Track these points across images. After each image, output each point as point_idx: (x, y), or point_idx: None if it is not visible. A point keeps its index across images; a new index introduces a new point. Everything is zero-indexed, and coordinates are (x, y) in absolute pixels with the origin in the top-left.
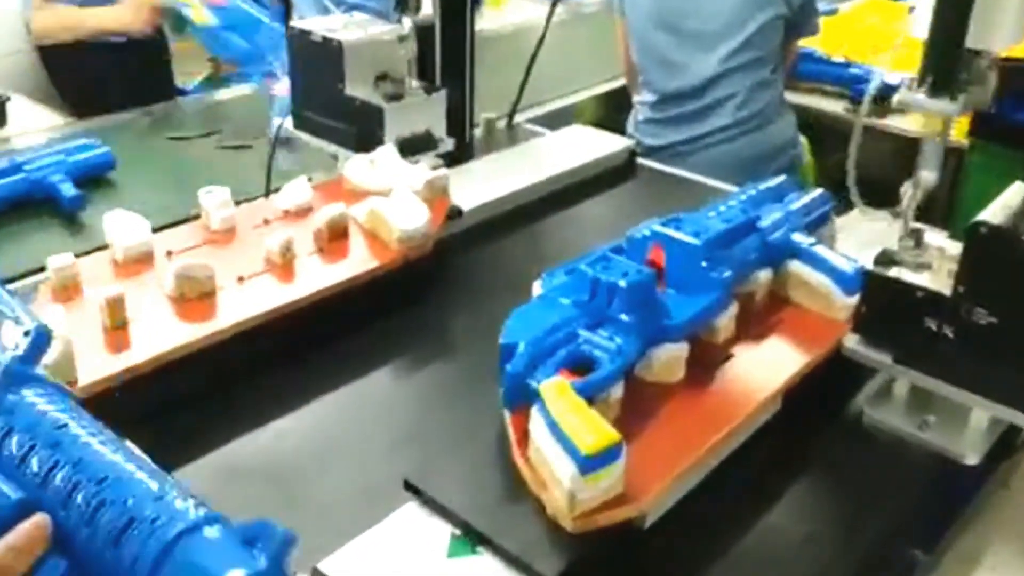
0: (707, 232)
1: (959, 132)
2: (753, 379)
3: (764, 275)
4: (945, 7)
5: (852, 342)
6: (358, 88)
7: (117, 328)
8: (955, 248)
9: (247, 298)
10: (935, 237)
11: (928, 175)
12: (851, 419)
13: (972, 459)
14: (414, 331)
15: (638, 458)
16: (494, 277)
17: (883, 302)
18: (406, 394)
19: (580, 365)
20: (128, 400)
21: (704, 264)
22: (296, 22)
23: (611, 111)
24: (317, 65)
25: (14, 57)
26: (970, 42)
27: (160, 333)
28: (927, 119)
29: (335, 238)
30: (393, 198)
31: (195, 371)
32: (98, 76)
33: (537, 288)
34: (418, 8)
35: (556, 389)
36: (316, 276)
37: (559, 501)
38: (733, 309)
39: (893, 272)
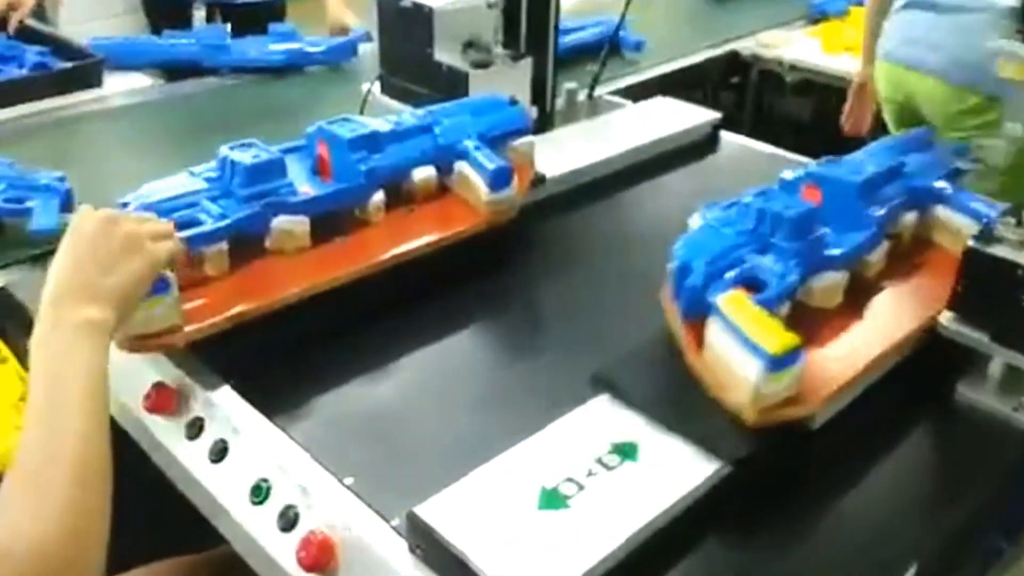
0: (861, 173)
1: None
2: (904, 310)
3: (910, 217)
4: None
5: (948, 319)
6: (446, 54)
7: (221, 278)
8: None
9: (341, 254)
10: None
11: (1014, 126)
12: (943, 397)
13: None
14: (502, 292)
15: (806, 369)
16: (578, 244)
17: (982, 280)
18: (499, 350)
19: (749, 286)
20: (232, 347)
21: (860, 202)
22: None
23: (694, 84)
24: (406, 31)
25: (116, 19)
26: None
27: (260, 285)
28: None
29: (425, 200)
30: None
31: (290, 325)
32: None
33: (696, 220)
34: None
35: (736, 300)
36: (407, 235)
37: (742, 398)
38: (885, 246)
39: (993, 250)
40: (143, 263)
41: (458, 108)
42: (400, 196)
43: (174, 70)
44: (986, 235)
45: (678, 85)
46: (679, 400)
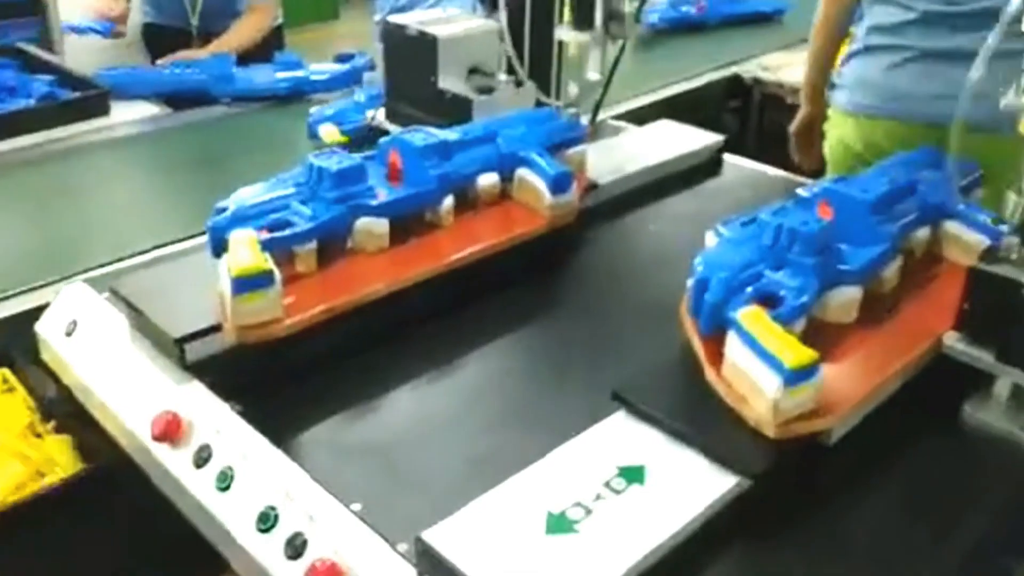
0: (875, 190)
1: None
2: (919, 325)
3: (922, 233)
4: None
5: (953, 339)
6: (450, 81)
7: (310, 275)
8: None
9: (418, 254)
10: None
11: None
12: (951, 417)
13: None
14: (504, 313)
15: (823, 383)
16: (588, 265)
17: (987, 299)
18: (507, 372)
19: (766, 301)
20: (239, 373)
21: (874, 218)
22: (390, 16)
23: (696, 107)
24: (411, 58)
25: (119, 50)
26: None
27: (347, 281)
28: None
29: (488, 205)
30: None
31: (297, 350)
32: None
33: (711, 238)
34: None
35: (754, 316)
36: (477, 238)
37: (761, 411)
38: (899, 261)
39: (998, 269)
40: None
41: (514, 120)
42: (466, 201)
43: (180, 99)
44: (991, 255)
45: (680, 108)
46: (697, 415)
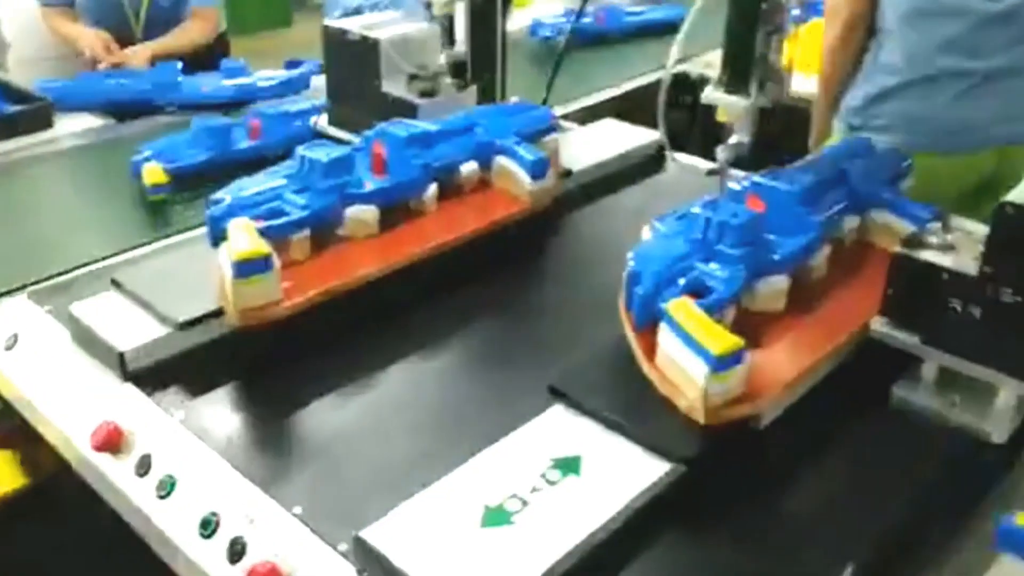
0: (802, 181)
1: None
2: (846, 312)
3: (851, 222)
4: (735, 19)
5: (880, 324)
6: (393, 85)
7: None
8: (983, 231)
9: (406, 239)
10: (964, 222)
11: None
12: (881, 399)
13: (998, 438)
14: (457, 310)
15: (752, 369)
16: (534, 262)
17: (910, 284)
18: (449, 368)
19: (696, 292)
20: (178, 381)
21: (801, 209)
22: (332, 21)
23: (644, 106)
24: (353, 63)
25: (64, 61)
26: None
27: (340, 266)
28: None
29: (470, 192)
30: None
31: (236, 354)
32: None
33: (647, 232)
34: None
35: (682, 306)
36: (460, 222)
37: (692, 398)
38: (826, 250)
39: (921, 254)
40: None
41: (489, 111)
42: (448, 189)
43: (124, 110)
44: (914, 241)
45: (628, 107)
46: (632, 405)
